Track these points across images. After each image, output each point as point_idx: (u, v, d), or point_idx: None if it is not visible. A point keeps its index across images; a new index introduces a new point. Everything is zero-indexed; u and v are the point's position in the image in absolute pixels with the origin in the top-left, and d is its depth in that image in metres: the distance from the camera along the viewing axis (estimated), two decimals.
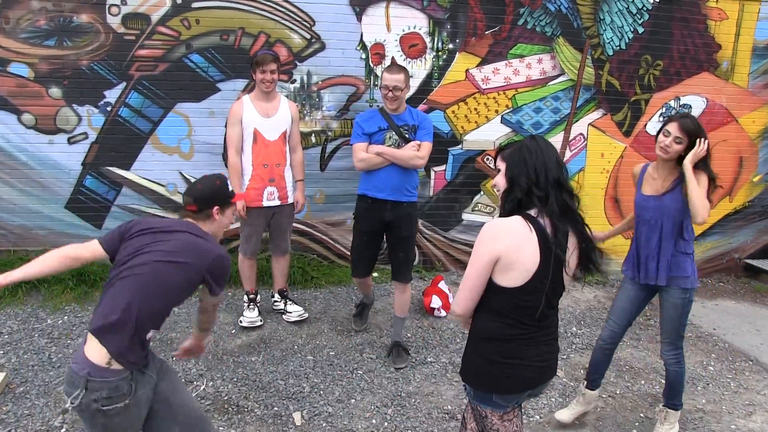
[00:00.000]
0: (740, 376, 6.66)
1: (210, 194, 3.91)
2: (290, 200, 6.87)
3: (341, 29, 8.03)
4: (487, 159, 8.77)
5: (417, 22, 8.20)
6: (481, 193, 8.95)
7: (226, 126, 6.78)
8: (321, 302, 7.87)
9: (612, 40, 8.70)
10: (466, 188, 8.89)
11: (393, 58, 8.14)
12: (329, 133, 8.33)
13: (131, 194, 7.98)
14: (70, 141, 7.72)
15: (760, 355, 7.16)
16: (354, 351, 6.66)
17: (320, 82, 8.14)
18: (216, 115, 7.86)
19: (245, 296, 7.16)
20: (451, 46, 8.36)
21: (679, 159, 4.81)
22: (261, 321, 7.10)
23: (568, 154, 8.94)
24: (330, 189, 8.49)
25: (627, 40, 8.74)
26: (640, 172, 5.21)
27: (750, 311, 8.63)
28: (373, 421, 5.45)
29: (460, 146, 8.71)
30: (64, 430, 5.10)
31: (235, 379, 5.97)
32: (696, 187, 4.67)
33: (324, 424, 5.36)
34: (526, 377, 3.42)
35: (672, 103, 9.08)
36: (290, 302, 7.30)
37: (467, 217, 9.00)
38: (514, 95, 8.67)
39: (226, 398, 5.65)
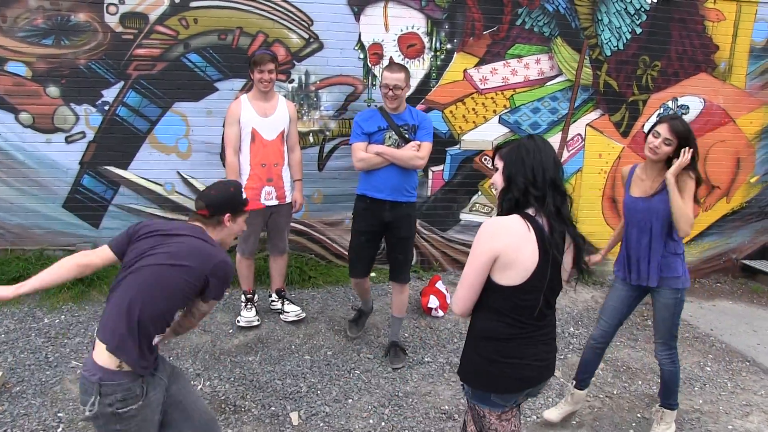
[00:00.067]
0: (737, 377, 6.66)
1: (223, 201, 3.88)
2: (288, 200, 6.86)
3: (339, 29, 8.03)
4: (485, 159, 8.78)
5: (415, 22, 8.20)
6: (479, 193, 8.95)
7: (224, 125, 6.77)
8: (318, 302, 7.87)
9: (610, 40, 8.70)
10: (463, 188, 8.90)
11: (391, 57, 8.15)
12: (327, 133, 8.33)
13: (129, 193, 7.98)
14: (68, 140, 7.72)
15: (757, 356, 7.16)
16: (351, 351, 6.65)
17: (318, 82, 8.14)
18: (214, 115, 7.87)
19: (243, 296, 7.16)
20: (449, 46, 8.37)
21: (668, 160, 4.82)
22: (258, 321, 7.08)
23: (565, 154, 8.94)
24: (328, 189, 8.49)
25: (625, 41, 8.74)
26: (629, 174, 5.21)
27: (747, 312, 8.63)
28: (371, 421, 5.45)
29: (458, 146, 8.71)
30: (60, 429, 5.10)
31: (233, 379, 5.97)
32: (678, 201, 4.71)
33: (321, 424, 5.36)
34: (524, 377, 3.42)
35: (670, 103, 9.09)
36: (288, 302, 7.30)
37: (465, 217, 9.01)
38: (512, 95, 8.67)
39: (223, 398, 5.65)
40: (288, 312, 7.21)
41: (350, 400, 5.75)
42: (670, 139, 4.72)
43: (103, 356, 3.40)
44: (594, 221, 9.12)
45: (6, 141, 7.59)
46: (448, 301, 7.77)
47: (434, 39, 8.29)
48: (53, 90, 7.55)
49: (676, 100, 9.10)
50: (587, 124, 8.99)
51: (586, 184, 9.11)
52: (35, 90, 7.52)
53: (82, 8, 7.40)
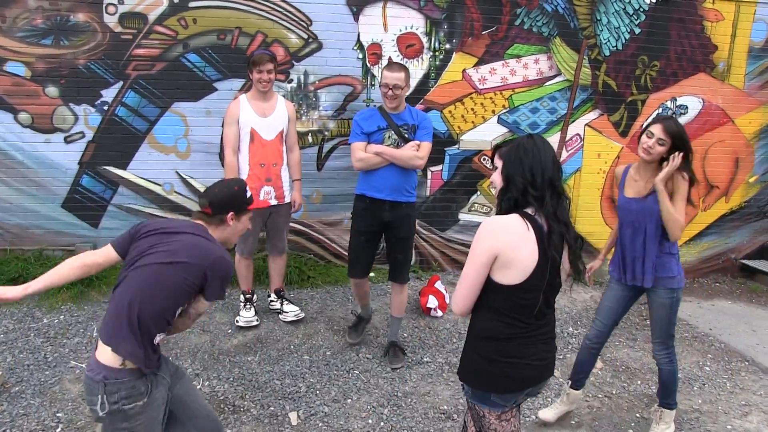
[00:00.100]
0: (736, 377, 6.66)
1: (226, 199, 3.87)
2: (287, 200, 6.86)
3: (338, 29, 8.03)
4: (484, 159, 8.78)
5: (414, 22, 8.20)
6: (478, 193, 8.95)
7: (223, 125, 6.78)
8: (317, 302, 7.87)
9: (609, 40, 8.71)
10: (462, 188, 8.90)
11: (390, 57, 8.15)
12: (326, 133, 8.33)
13: (128, 193, 7.98)
14: (67, 140, 7.72)
15: (756, 356, 7.16)
16: (350, 351, 6.65)
17: (317, 82, 8.14)
18: (213, 115, 7.87)
19: (242, 296, 7.16)
20: (447, 46, 8.37)
21: (662, 160, 4.82)
22: (257, 321, 7.09)
23: (564, 154, 8.95)
24: (327, 189, 8.49)
25: (624, 41, 8.75)
26: (623, 174, 5.21)
27: (746, 311, 8.63)
28: (369, 421, 5.45)
29: (456, 146, 8.71)
30: (59, 429, 5.10)
31: (232, 379, 5.97)
32: (668, 207, 4.75)
33: (320, 424, 5.36)
34: (524, 376, 3.42)
35: (668, 103, 9.09)
36: (287, 302, 7.30)
37: (464, 217, 9.01)
38: (510, 95, 8.67)
39: (222, 398, 5.65)
40: (287, 312, 7.21)
41: (349, 400, 5.75)
42: (663, 140, 4.72)
43: (106, 355, 3.41)
44: (593, 221, 9.12)
45: (5, 141, 7.60)
46: (447, 301, 7.78)
47: (433, 39, 8.30)
48: (52, 90, 7.55)
49: (675, 100, 9.11)
50: (586, 124, 9.00)
51: (585, 184, 9.12)
52: (34, 90, 7.52)
53: (81, 8, 7.40)
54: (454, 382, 6.12)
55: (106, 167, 7.88)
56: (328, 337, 6.94)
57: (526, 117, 8.77)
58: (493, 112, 8.68)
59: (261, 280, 7.88)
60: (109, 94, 7.70)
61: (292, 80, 8.07)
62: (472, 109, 8.59)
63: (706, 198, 9.61)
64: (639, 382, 6.40)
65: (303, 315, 7.27)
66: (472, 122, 8.66)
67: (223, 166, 6.94)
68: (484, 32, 8.39)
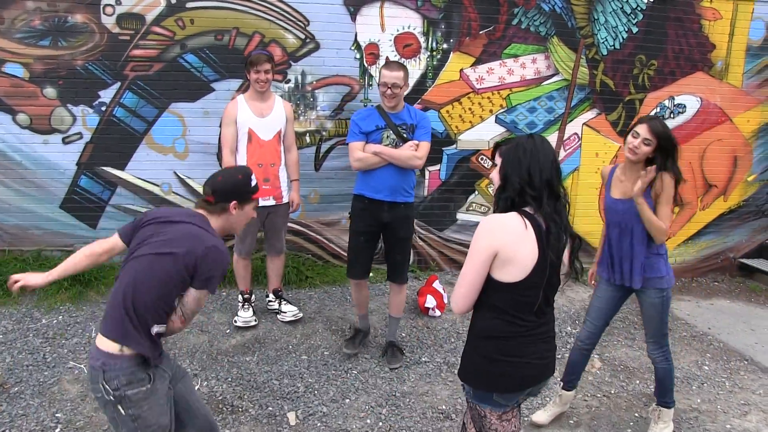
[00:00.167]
0: (735, 376, 6.66)
1: (229, 188, 3.82)
2: (285, 200, 6.87)
3: (336, 29, 8.03)
4: (482, 159, 8.78)
5: (411, 21, 8.21)
6: (476, 192, 8.95)
7: (220, 126, 6.80)
8: (316, 302, 7.87)
9: (606, 39, 8.71)
10: (460, 188, 8.90)
11: (387, 57, 8.15)
12: (324, 133, 8.33)
13: (126, 194, 7.98)
14: (65, 141, 7.73)
15: (755, 355, 7.16)
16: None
17: (315, 82, 8.14)
18: (210, 115, 7.88)
19: (240, 296, 7.16)
20: (445, 45, 8.37)
21: (647, 161, 4.82)
22: (255, 321, 7.09)
23: (562, 153, 8.95)
24: (324, 189, 8.49)
25: (621, 40, 8.75)
26: (609, 174, 5.21)
27: (745, 311, 8.64)
28: (368, 420, 5.45)
29: (454, 146, 8.71)
30: (58, 430, 5.10)
31: (230, 379, 5.97)
32: (649, 217, 4.78)
33: (318, 424, 5.36)
34: (525, 375, 3.43)
35: (666, 102, 9.09)
36: (285, 302, 7.30)
37: (462, 216, 9.01)
38: (508, 95, 8.67)
39: (220, 398, 5.65)
40: (285, 312, 7.21)
41: (347, 400, 5.75)
42: (649, 139, 4.73)
43: (105, 342, 3.45)
44: (591, 220, 9.11)
45: (3, 142, 7.61)
46: (446, 300, 7.78)
47: (430, 39, 8.30)
48: (50, 91, 7.56)
49: (673, 98, 9.11)
50: (584, 124, 9.00)
51: (583, 183, 9.12)
52: (32, 91, 7.53)
53: (79, 9, 7.40)
54: (453, 382, 6.12)
55: (104, 168, 7.89)
56: (326, 337, 6.94)
57: (524, 116, 8.78)
58: (491, 111, 8.68)
59: (259, 280, 7.89)
60: (106, 95, 7.70)
61: (289, 80, 8.07)
62: (470, 109, 8.59)
63: (704, 197, 9.61)
64: (637, 382, 6.40)
65: (301, 315, 7.27)
66: (470, 122, 8.66)
67: (221, 166, 6.95)
68: (481, 32, 8.39)
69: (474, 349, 3.48)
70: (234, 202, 3.80)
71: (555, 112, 8.87)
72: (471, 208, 8.98)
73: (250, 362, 6.32)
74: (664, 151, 4.78)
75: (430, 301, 7.64)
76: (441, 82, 8.47)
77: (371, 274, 7.74)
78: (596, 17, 8.59)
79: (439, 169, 8.76)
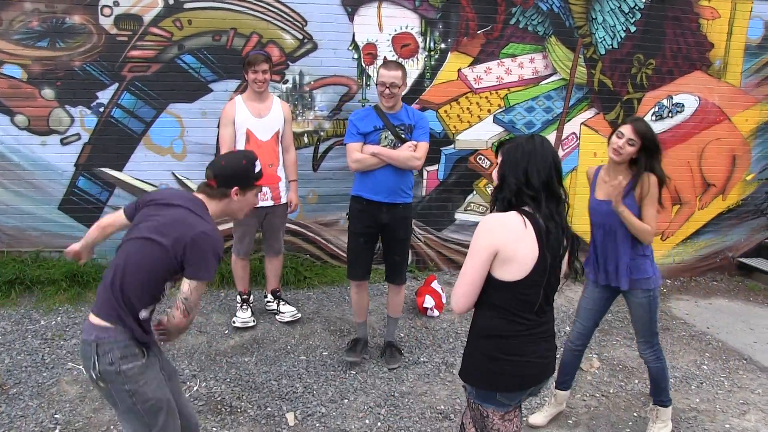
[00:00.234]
0: (734, 375, 6.66)
1: (231, 173, 3.75)
2: (283, 200, 6.87)
3: (333, 29, 8.04)
4: (480, 158, 8.78)
5: (409, 21, 8.21)
6: (474, 192, 8.96)
7: (218, 126, 6.79)
8: (314, 302, 7.87)
9: (604, 39, 8.71)
10: (458, 188, 8.90)
11: (385, 57, 8.14)
12: (322, 134, 8.34)
13: (124, 195, 7.97)
14: (63, 142, 7.73)
15: (753, 354, 7.16)
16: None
17: (312, 83, 8.15)
18: (208, 116, 7.88)
19: (238, 297, 7.16)
20: (443, 45, 8.38)
21: (631, 161, 4.83)
22: (254, 321, 7.09)
23: (560, 153, 8.94)
24: (322, 189, 8.49)
25: (619, 39, 8.75)
26: (594, 175, 5.22)
27: (743, 310, 8.64)
28: (366, 421, 5.45)
29: (452, 146, 8.71)
30: (57, 431, 5.10)
31: (228, 380, 5.97)
32: (632, 222, 4.80)
33: (317, 425, 5.36)
34: (527, 374, 3.43)
35: (665, 101, 9.09)
36: (283, 302, 7.30)
37: (460, 216, 9.01)
38: (506, 95, 8.68)
39: (219, 399, 5.65)
40: (283, 312, 7.21)
41: (346, 401, 5.75)
42: (633, 140, 4.73)
43: (96, 318, 3.48)
44: (589, 220, 9.11)
45: (1, 143, 7.61)
46: (444, 300, 7.78)
47: (428, 39, 8.30)
48: (48, 92, 7.56)
49: (671, 98, 9.11)
50: (582, 123, 9.00)
51: (581, 183, 9.09)
52: (30, 92, 7.53)
53: (76, 10, 7.41)
54: (451, 382, 6.12)
55: (103, 169, 7.89)
56: (324, 338, 6.94)
57: (522, 116, 8.78)
58: (489, 111, 8.68)
59: (257, 280, 7.88)
60: (104, 96, 7.71)
61: (287, 81, 8.08)
62: (468, 109, 8.59)
63: (703, 196, 9.62)
64: (636, 381, 6.39)
65: (300, 315, 7.27)
66: (468, 122, 8.66)
67: None
68: (479, 31, 8.40)
69: (475, 349, 3.48)
70: (236, 188, 3.74)
71: (553, 112, 8.87)
72: (469, 208, 8.98)
73: (248, 363, 6.32)
74: (648, 152, 4.78)
75: (429, 301, 7.63)
76: (439, 82, 8.47)
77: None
78: (594, 16, 8.59)
79: (438, 169, 8.76)
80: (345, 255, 6.83)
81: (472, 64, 8.50)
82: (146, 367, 3.54)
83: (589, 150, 9.07)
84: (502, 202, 3.35)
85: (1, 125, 7.56)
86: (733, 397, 6.19)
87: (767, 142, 9.64)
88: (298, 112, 8.15)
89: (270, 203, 6.72)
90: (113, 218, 3.95)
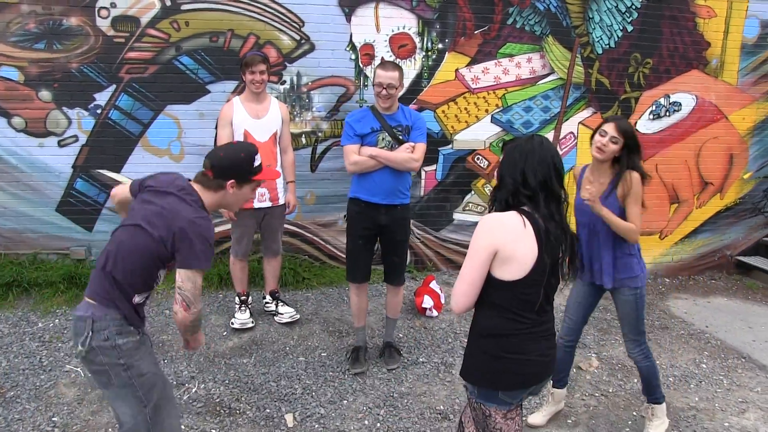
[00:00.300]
0: (733, 374, 6.66)
1: (228, 165, 3.74)
2: (281, 201, 6.86)
3: (330, 30, 8.04)
4: (478, 158, 8.78)
5: (406, 22, 8.21)
6: (472, 192, 8.95)
7: (216, 128, 6.78)
8: (313, 303, 7.86)
9: (601, 38, 8.72)
10: (456, 188, 8.90)
11: (383, 58, 8.14)
12: (319, 134, 8.33)
13: None
14: (61, 144, 7.72)
15: (752, 352, 7.16)
16: (346, 352, 6.62)
17: (310, 83, 8.14)
18: (206, 117, 7.87)
19: (236, 298, 7.15)
20: (440, 45, 8.38)
21: (615, 160, 4.85)
22: (252, 323, 7.08)
23: (558, 152, 8.93)
24: (321, 190, 8.49)
25: (616, 39, 8.76)
26: (579, 175, 5.23)
27: (742, 308, 8.64)
28: (366, 422, 5.44)
29: (450, 146, 8.71)
30: None
31: (227, 381, 5.96)
32: (616, 223, 4.80)
33: (316, 426, 5.35)
34: (529, 373, 3.44)
35: (662, 100, 9.10)
36: (282, 303, 7.30)
37: (458, 216, 9.01)
38: (504, 94, 8.68)
39: (217, 400, 5.64)
40: (282, 314, 7.21)
41: (345, 402, 5.74)
42: (616, 137, 4.75)
43: (92, 300, 3.51)
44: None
45: None
46: (443, 301, 7.78)
47: (425, 39, 8.30)
48: (45, 94, 7.55)
49: (668, 97, 9.12)
50: (580, 123, 9.00)
51: None
52: (28, 94, 7.52)
53: (73, 12, 7.40)
54: (450, 382, 6.12)
55: (100, 171, 7.87)
56: (323, 339, 6.93)
57: (520, 116, 8.78)
58: (487, 111, 8.68)
59: (256, 282, 7.87)
60: (102, 98, 7.70)
61: (285, 81, 8.07)
62: (466, 109, 8.60)
63: (700, 195, 9.62)
64: (635, 380, 6.38)
65: (298, 316, 7.27)
66: (466, 122, 8.66)
67: None
68: (476, 32, 8.40)
69: (477, 348, 3.49)
70: (232, 180, 3.73)
71: (551, 112, 8.87)
72: (467, 208, 8.98)
73: (247, 364, 6.31)
74: (629, 150, 4.80)
75: (427, 302, 7.62)
76: (436, 82, 8.47)
77: None
78: (591, 16, 8.60)
79: (435, 169, 8.76)
80: (343, 256, 6.82)
81: (469, 64, 8.50)
82: (141, 344, 3.60)
83: (586, 149, 8.98)
84: (500, 202, 3.37)
85: None
86: (732, 396, 6.19)
87: (764, 140, 9.65)
88: (295, 113, 8.15)
89: (268, 204, 6.72)
90: (121, 190, 3.95)
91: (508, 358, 3.37)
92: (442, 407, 5.72)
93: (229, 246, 7.12)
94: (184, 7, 7.62)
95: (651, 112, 9.10)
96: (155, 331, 6.79)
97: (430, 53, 8.36)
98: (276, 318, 7.24)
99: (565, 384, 5.58)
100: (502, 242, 3.20)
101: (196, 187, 3.72)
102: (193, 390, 5.77)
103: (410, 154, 5.83)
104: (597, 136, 4.86)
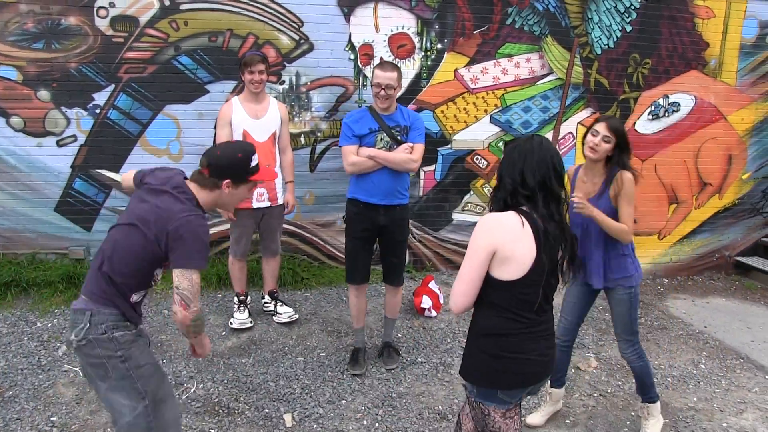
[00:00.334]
0: (731, 374, 6.66)
1: (225, 164, 3.71)
2: (280, 201, 6.86)
3: (330, 30, 8.03)
4: (477, 158, 8.78)
5: (405, 22, 8.21)
6: (471, 192, 8.95)
7: (215, 128, 6.78)
8: (311, 303, 7.87)
9: (600, 38, 8.72)
10: (455, 188, 8.90)
11: (381, 58, 8.13)
12: (318, 134, 8.33)
13: (121, 196, 7.94)
14: (59, 144, 7.71)
15: (750, 353, 7.17)
16: (345, 352, 6.63)
17: (309, 83, 8.14)
18: (205, 117, 7.87)
19: (235, 298, 7.15)
20: (439, 46, 8.38)
21: (608, 159, 4.86)
22: (251, 323, 7.08)
23: None
24: (319, 190, 8.49)
25: (615, 39, 8.76)
26: (573, 174, 5.23)
27: (741, 309, 8.64)
28: (364, 422, 5.44)
29: (449, 146, 8.71)
30: None
31: (226, 381, 5.96)
32: (608, 225, 4.80)
33: (315, 426, 5.35)
34: (528, 372, 3.45)
35: (661, 101, 9.10)
36: (280, 303, 7.30)
37: (457, 216, 9.01)
38: (503, 94, 8.68)
39: (216, 400, 5.64)
40: (281, 313, 7.21)
41: (344, 402, 5.75)
42: (608, 136, 4.76)
43: (89, 299, 3.52)
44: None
45: None
46: (441, 301, 7.78)
47: (424, 39, 8.30)
48: (44, 94, 7.54)
49: (667, 97, 9.12)
50: (579, 123, 8.99)
51: None
52: (26, 94, 7.51)
53: (72, 12, 7.39)
54: (449, 383, 6.12)
55: (99, 170, 7.86)
56: (322, 339, 6.93)
57: (519, 116, 8.78)
58: (486, 111, 8.68)
59: (255, 282, 7.87)
60: (101, 98, 7.69)
61: (284, 81, 8.07)
62: (465, 109, 8.59)
63: (699, 195, 9.63)
64: (634, 381, 6.38)
65: (297, 316, 7.27)
66: (465, 122, 8.66)
67: None
68: (475, 32, 8.40)
69: (476, 347, 3.50)
70: (228, 180, 3.70)
71: (550, 112, 8.87)
72: (466, 208, 8.98)
73: (245, 364, 6.31)
74: (620, 149, 4.81)
75: (426, 302, 7.62)
76: (435, 82, 8.47)
77: None
78: (590, 16, 8.60)
79: (434, 170, 8.75)
80: (342, 256, 6.81)
81: (468, 64, 8.50)
82: (137, 336, 3.61)
83: None
84: (499, 201, 3.38)
85: None
86: (730, 396, 6.20)
87: (763, 140, 9.65)
88: (294, 113, 8.15)
89: (267, 204, 6.72)
90: (127, 176, 4.04)
91: (507, 357, 3.37)
92: (440, 407, 5.72)
93: (228, 246, 7.11)
94: (182, 6, 7.61)
95: (650, 112, 9.11)
96: (154, 331, 6.79)
97: (429, 53, 8.36)
98: (275, 318, 7.25)
99: (562, 384, 5.58)
100: (501, 242, 3.20)
101: (192, 185, 3.71)
102: (192, 390, 5.77)
103: (409, 154, 5.81)
104: (589, 136, 4.88)
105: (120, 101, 7.73)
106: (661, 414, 5.47)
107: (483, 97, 8.62)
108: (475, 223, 3.36)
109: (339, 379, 6.12)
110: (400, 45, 8.26)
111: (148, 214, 3.49)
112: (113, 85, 7.68)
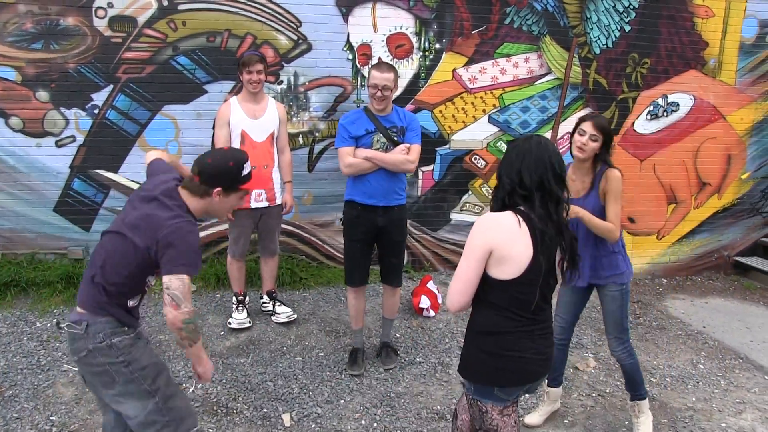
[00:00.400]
0: (730, 374, 6.66)
1: (216, 173, 3.66)
2: (278, 201, 6.86)
3: (328, 30, 8.04)
4: (475, 158, 8.78)
5: (403, 22, 8.21)
6: (469, 192, 8.95)
7: (213, 128, 6.78)
8: (310, 303, 7.87)
9: (599, 38, 8.72)
10: (454, 188, 8.90)
11: (380, 58, 8.13)
12: (317, 134, 8.33)
13: (119, 197, 7.95)
14: (58, 144, 7.72)
15: (749, 353, 7.16)
16: (343, 352, 6.63)
17: (307, 83, 8.14)
18: (203, 117, 7.87)
19: (234, 298, 7.15)
20: (437, 45, 8.38)
21: (595, 158, 4.88)
22: (250, 322, 7.08)
23: None
24: (318, 190, 8.49)
25: (614, 39, 8.76)
26: None
27: (740, 309, 8.64)
28: (363, 422, 5.44)
29: (447, 146, 8.71)
30: None
31: (224, 381, 5.96)
32: (595, 225, 4.80)
33: (313, 426, 5.35)
34: (525, 370, 3.46)
35: (660, 100, 9.10)
36: (279, 303, 7.30)
37: (455, 216, 9.01)
38: (501, 94, 8.68)
39: (215, 400, 5.64)
40: (279, 313, 7.21)
41: (342, 401, 5.75)
42: (596, 135, 4.77)
43: (84, 310, 3.54)
44: None
45: None
46: (440, 301, 7.78)
47: (423, 39, 8.30)
48: (43, 94, 7.55)
49: (666, 97, 9.12)
50: None
51: None
52: (25, 94, 7.52)
53: (70, 12, 7.40)
54: (447, 382, 6.12)
55: (98, 171, 7.87)
56: (320, 339, 6.93)
57: (517, 116, 8.78)
58: (484, 111, 8.68)
59: (253, 282, 7.87)
60: (99, 98, 7.70)
61: (282, 82, 8.07)
62: (463, 109, 8.60)
63: (698, 195, 9.63)
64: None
65: (295, 316, 7.26)
66: (463, 122, 8.66)
67: None
68: (473, 31, 8.40)
69: (474, 345, 3.51)
70: (218, 188, 3.67)
71: (548, 111, 8.87)
72: (465, 208, 8.98)
73: (244, 364, 6.31)
74: (606, 147, 4.83)
75: (425, 302, 7.62)
76: (434, 82, 8.47)
77: None
78: (589, 16, 8.60)
79: (433, 170, 8.76)
80: (341, 255, 6.80)
81: (466, 64, 8.51)
82: (136, 339, 3.62)
83: None
84: (497, 201, 3.39)
85: None
86: (729, 396, 6.19)
87: (762, 140, 9.66)
88: (293, 113, 8.15)
89: (265, 204, 6.72)
90: (150, 157, 4.19)
91: (505, 355, 3.39)
92: (438, 407, 5.72)
93: (226, 246, 7.12)
94: (181, 7, 7.62)
95: (649, 112, 9.11)
96: (153, 331, 6.79)
97: (427, 53, 8.36)
98: (273, 318, 7.24)
99: (560, 383, 5.59)
100: (498, 241, 3.22)
101: (183, 192, 3.69)
102: (191, 390, 5.77)
103: (406, 155, 5.80)
104: (576, 136, 4.89)
105: (118, 101, 7.74)
106: (649, 410, 5.47)
107: (481, 97, 8.63)
108: (473, 224, 3.37)
109: (337, 378, 6.12)
110: (398, 45, 8.26)
111: (138, 221, 3.49)
112: (112, 86, 7.69)
